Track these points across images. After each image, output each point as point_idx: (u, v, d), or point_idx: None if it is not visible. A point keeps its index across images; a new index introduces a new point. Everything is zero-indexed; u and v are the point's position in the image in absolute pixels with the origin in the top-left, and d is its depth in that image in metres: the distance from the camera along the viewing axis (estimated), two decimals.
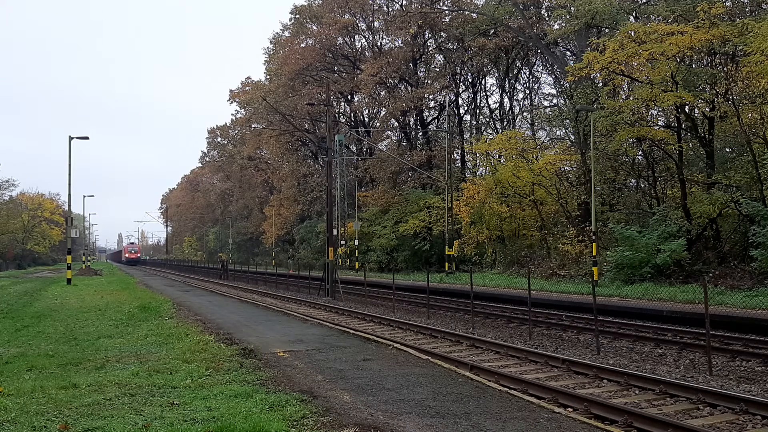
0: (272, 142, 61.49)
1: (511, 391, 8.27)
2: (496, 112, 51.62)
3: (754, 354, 11.85)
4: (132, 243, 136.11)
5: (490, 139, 41.55)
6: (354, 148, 58.02)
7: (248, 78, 77.07)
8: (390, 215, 46.19)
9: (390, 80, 49.81)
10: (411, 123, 52.93)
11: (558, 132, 44.66)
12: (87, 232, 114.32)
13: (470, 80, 50.80)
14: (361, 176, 52.77)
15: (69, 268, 36.72)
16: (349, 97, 55.09)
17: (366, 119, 57.88)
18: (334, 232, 33.32)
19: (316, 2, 56.12)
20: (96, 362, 10.08)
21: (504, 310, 19.99)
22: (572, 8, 31.95)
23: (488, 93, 52.72)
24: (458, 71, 49.73)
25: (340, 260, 40.01)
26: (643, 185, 32.71)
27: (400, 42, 49.30)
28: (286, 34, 60.72)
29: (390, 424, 6.43)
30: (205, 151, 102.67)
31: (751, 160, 23.32)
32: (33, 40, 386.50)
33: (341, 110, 58.00)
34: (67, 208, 43.46)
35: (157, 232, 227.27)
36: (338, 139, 41.28)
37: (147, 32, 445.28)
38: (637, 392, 9.36)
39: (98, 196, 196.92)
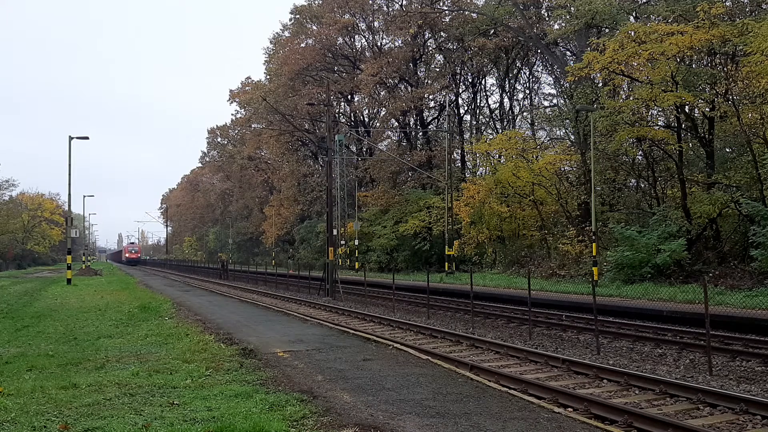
0: (272, 142, 61.50)
1: (511, 391, 8.27)
2: (496, 112, 51.65)
3: (754, 354, 11.85)
4: (132, 243, 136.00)
5: (490, 139, 41.55)
6: (354, 148, 58.03)
7: (248, 78, 77.17)
8: (390, 215, 46.20)
9: (390, 80, 49.81)
10: (411, 123, 52.94)
11: (558, 132, 44.68)
12: (87, 232, 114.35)
13: (470, 80, 50.81)
14: (361, 176, 52.77)
15: (69, 268, 36.72)
16: (349, 97, 55.09)
17: (366, 119, 57.89)
18: (334, 232, 33.33)
19: (316, 2, 56.13)
20: (96, 362, 10.08)
21: (504, 310, 19.99)
22: (572, 8, 31.96)
23: (488, 93, 52.81)
24: (458, 71, 49.74)
25: (340, 260, 40.01)
26: (643, 185, 32.71)
27: (400, 42, 49.31)
28: (286, 34, 60.74)
29: (390, 424, 6.43)
30: (205, 151, 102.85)
31: (751, 160, 23.31)
32: (33, 40, 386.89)
33: (341, 110, 58.01)
34: (67, 208, 43.49)
35: (157, 232, 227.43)
36: (338, 139, 41.28)
37: (147, 32, 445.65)
38: (637, 392, 9.36)
39: (98, 196, 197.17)
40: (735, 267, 22.35)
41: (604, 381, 10.07)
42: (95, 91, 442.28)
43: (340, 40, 52.70)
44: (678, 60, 24.80)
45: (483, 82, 51.16)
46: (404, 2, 49.52)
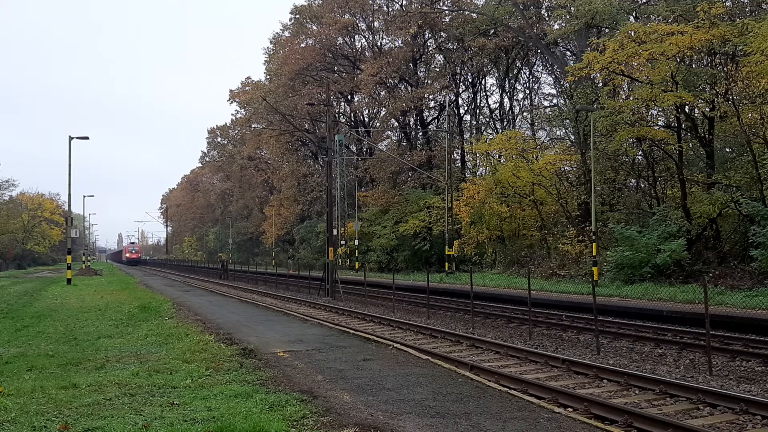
0: (272, 142, 61.50)
1: (511, 391, 8.27)
2: (496, 112, 51.65)
3: (754, 354, 11.85)
4: (132, 243, 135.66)
5: (490, 139, 41.55)
6: (354, 148, 58.02)
7: (248, 78, 77.18)
8: (390, 215, 46.19)
9: (390, 80, 49.80)
10: (411, 123, 52.93)
11: (558, 132, 44.67)
12: (87, 232, 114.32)
13: (470, 80, 50.81)
14: (361, 176, 52.77)
15: (69, 268, 36.73)
16: (349, 97, 55.09)
17: (366, 119, 57.89)
18: (334, 232, 33.33)
19: (316, 2, 56.12)
20: (96, 362, 10.08)
21: (504, 310, 19.99)
22: (572, 8, 31.95)
23: (488, 93, 52.81)
24: (458, 71, 49.73)
25: (340, 260, 40.00)
26: (643, 185, 32.71)
27: (400, 42, 49.31)
28: (286, 34, 60.74)
29: (390, 424, 6.43)
30: (205, 151, 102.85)
31: (751, 160, 23.31)
32: (33, 40, 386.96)
33: (341, 110, 58.01)
34: (67, 208, 43.50)
35: (157, 232, 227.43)
36: (338, 139, 41.28)
37: (147, 32, 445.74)
38: (637, 392, 9.36)
39: (98, 196, 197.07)
40: (735, 267, 22.35)
41: (604, 381, 10.07)
42: (95, 91, 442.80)
43: (340, 40, 52.70)
44: (678, 60, 24.79)
45: (483, 82, 51.22)
46: (404, 2, 49.53)
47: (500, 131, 45.30)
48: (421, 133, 51.71)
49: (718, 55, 26.32)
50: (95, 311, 19.04)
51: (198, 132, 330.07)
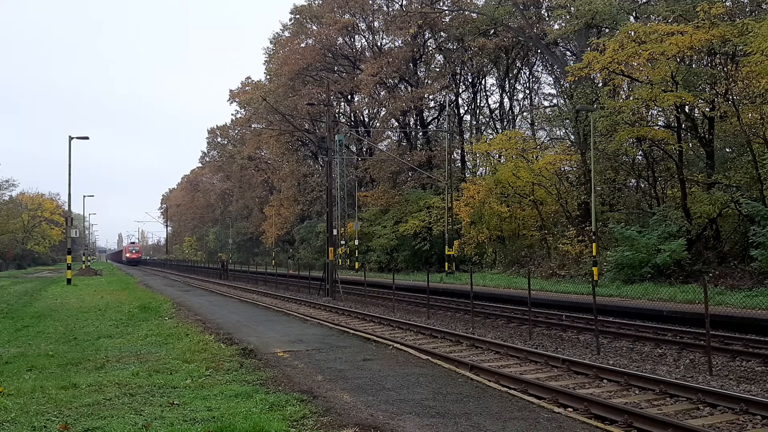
0: (272, 142, 61.50)
1: (511, 391, 8.27)
2: (496, 112, 51.65)
3: (754, 354, 11.85)
4: (133, 243, 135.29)
5: (490, 139, 41.55)
6: (354, 148, 58.02)
7: (248, 78, 77.18)
8: (390, 215, 46.19)
9: (390, 80, 49.80)
10: (411, 123, 52.94)
11: (558, 132, 44.67)
12: (87, 232, 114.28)
13: (470, 80, 50.81)
14: (361, 176, 52.77)
15: (69, 268, 36.72)
16: (349, 97, 55.09)
17: (366, 119, 57.89)
18: (334, 232, 33.32)
19: (316, 2, 56.12)
20: (96, 362, 10.08)
21: (504, 310, 19.99)
22: (572, 8, 31.95)
23: (488, 93, 52.81)
24: (458, 71, 49.73)
25: (340, 260, 40.00)
26: (643, 185, 32.71)
27: (400, 42, 49.30)
28: (286, 34, 60.74)
29: (390, 424, 6.43)
30: (205, 151, 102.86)
31: (751, 160, 23.31)
32: (33, 40, 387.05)
33: (341, 110, 58.01)
34: (67, 208, 43.49)
35: (157, 232, 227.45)
36: (338, 139, 41.28)
37: (147, 32, 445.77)
38: (637, 392, 9.36)
39: (98, 196, 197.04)
40: (735, 267, 22.34)
41: (604, 381, 10.07)
42: (95, 91, 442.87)
43: (340, 40, 52.70)
44: (678, 60, 24.79)
45: (483, 82, 51.22)
46: (404, 2, 49.53)
47: (500, 131, 45.30)
48: (421, 133, 51.71)
49: (718, 55, 26.32)
50: (95, 311, 19.04)
51: (198, 132, 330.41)
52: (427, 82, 49.49)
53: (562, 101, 42.06)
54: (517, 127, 47.73)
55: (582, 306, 18.38)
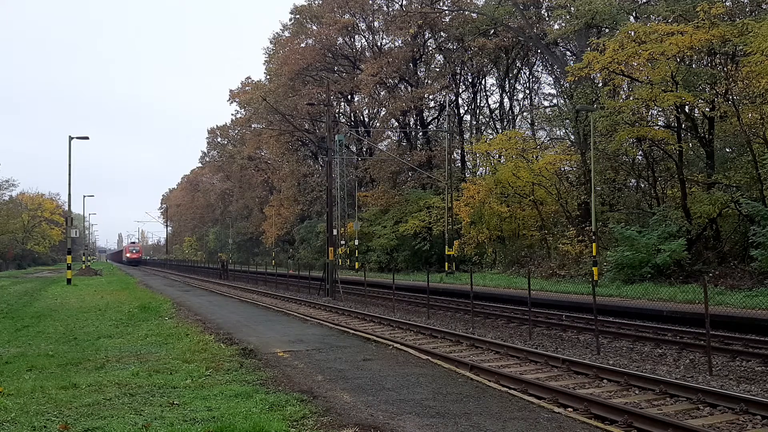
0: (272, 142, 61.50)
1: (511, 391, 8.27)
2: (496, 112, 51.65)
3: (754, 354, 11.85)
4: (133, 242, 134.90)
5: (490, 139, 41.55)
6: (354, 148, 58.02)
7: (248, 78, 77.18)
8: (390, 215, 46.19)
9: (390, 80, 49.80)
10: (411, 123, 52.93)
11: (558, 132, 44.68)
12: (87, 232, 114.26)
13: (470, 80, 50.81)
14: (361, 176, 52.77)
15: (69, 268, 36.73)
16: (349, 97, 55.09)
17: (366, 119, 57.89)
18: (334, 232, 33.33)
19: (316, 2, 56.12)
20: (96, 362, 10.08)
21: (504, 310, 19.99)
22: (572, 8, 31.95)
23: (488, 93, 52.81)
24: (458, 71, 49.73)
25: (340, 260, 40.01)
26: (643, 185, 32.71)
27: (400, 42, 49.30)
28: (286, 34, 60.74)
29: (390, 424, 6.43)
30: (205, 151, 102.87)
31: (751, 160, 23.31)
32: (33, 40, 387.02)
33: (341, 110, 58.01)
34: (67, 208, 43.50)
35: (157, 232, 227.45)
36: (338, 139, 41.28)
37: (147, 32, 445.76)
38: (637, 392, 9.36)
39: (98, 196, 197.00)
40: (735, 267, 22.34)
41: (604, 381, 10.07)
42: (95, 91, 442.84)
43: (340, 40, 52.70)
44: (678, 60, 24.79)
45: (483, 82, 51.21)
46: (404, 2, 49.53)
47: (500, 131, 45.30)
48: (421, 133, 51.71)
49: (718, 55, 26.32)
50: (95, 311, 19.04)
51: (198, 132, 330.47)
52: (427, 82, 49.49)
53: (562, 101, 42.07)
54: (517, 127, 47.74)
55: (582, 306, 18.37)
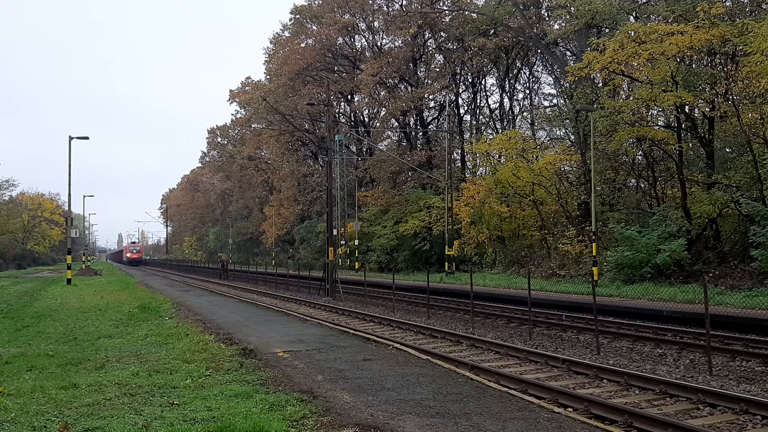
0: (272, 142, 61.51)
1: (511, 391, 8.27)
2: (496, 112, 51.65)
3: (754, 354, 11.85)
4: (134, 242, 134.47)
5: (490, 139, 41.55)
6: (354, 148, 58.02)
7: (248, 78, 77.19)
8: (390, 215, 46.20)
9: (390, 80, 49.80)
10: (411, 123, 52.93)
11: (558, 132, 44.68)
12: (87, 232, 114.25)
13: (470, 80, 50.81)
14: (361, 176, 52.77)
15: (69, 268, 36.73)
16: (349, 97, 55.09)
17: (366, 119, 57.89)
18: (334, 232, 33.32)
19: (316, 2, 56.12)
20: (96, 362, 10.08)
21: (504, 310, 19.99)
22: (572, 8, 31.95)
23: (488, 93, 52.81)
24: (458, 71, 49.73)
25: (340, 260, 40.00)
26: (643, 185, 32.71)
27: (400, 42, 49.31)
28: (286, 34, 60.74)
29: (390, 424, 6.43)
30: (205, 151, 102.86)
31: (751, 160, 23.32)
32: (33, 40, 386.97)
33: (341, 110, 58.02)
34: (67, 208, 43.50)
35: (157, 232, 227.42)
36: (338, 139, 41.28)
37: (147, 32, 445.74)
38: (637, 392, 9.37)
39: (98, 196, 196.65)
40: (735, 267, 22.35)
41: (604, 381, 10.07)
42: (95, 91, 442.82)
43: (340, 40, 52.69)
44: (678, 60, 24.79)
45: (483, 82, 51.21)
46: (404, 2, 49.53)
47: (500, 131, 45.30)
48: (421, 133, 51.71)
49: (718, 55, 26.31)
50: (95, 311, 19.04)
51: (198, 132, 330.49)
52: (427, 82, 49.49)
53: (562, 101, 42.06)
54: (517, 127, 47.73)
55: (582, 306, 18.37)
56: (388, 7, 51.12)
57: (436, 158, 46.34)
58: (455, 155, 48.14)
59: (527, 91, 50.33)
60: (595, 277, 24.01)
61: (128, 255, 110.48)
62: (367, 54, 52.57)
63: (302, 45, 54.14)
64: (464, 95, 51.94)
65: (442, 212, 39.05)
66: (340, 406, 7.16)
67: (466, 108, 52.71)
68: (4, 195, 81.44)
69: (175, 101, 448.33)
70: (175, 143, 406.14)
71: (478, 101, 52.00)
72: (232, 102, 77.93)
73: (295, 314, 19.29)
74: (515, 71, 48.68)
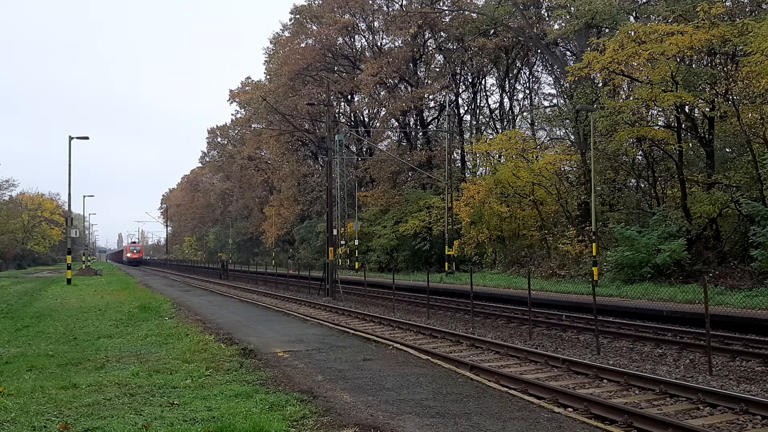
0: (272, 142, 61.51)
1: (511, 391, 8.27)
2: (496, 112, 51.65)
3: (754, 354, 11.85)
4: (134, 242, 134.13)
5: (490, 139, 41.55)
6: (354, 148, 58.03)
7: (248, 78, 77.20)
8: (390, 215, 46.20)
9: (390, 80, 49.80)
10: (411, 123, 52.93)
11: (558, 132, 44.68)
12: (87, 232, 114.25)
13: (470, 80, 50.81)
14: (361, 176, 52.77)
15: (69, 268, 36.73)
16: (349, 97, 55.09)
17: (366, 119, 57.89)
18: (334, 232, 33.32)
19: (316, 2, 56.12)
20: (96, 362, 10.08)
21: (504, 310, 19.99)
22: (572, 8, 31.95)
23: (488, 93, 52.80)
24: (458, 71, 49.73)
25: (340, 260, 40.00)
26: (643, 185, 32.71)
27: (400, 42, 49.31)
28: (286, 34, 60.74)
29: (390, 424, 6.43)
30: (205, 151, 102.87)
31: (751, 160, 23.32)
32: (33, 40, 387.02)
33: (341, 110, 58.01)
34: (67, 208, 43.50)
35: (157, 232, 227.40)
36: (338, 139, 41.28)
37: (147, 32, 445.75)
38: (637, 392, 9.36)
39: (98, 196, 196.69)
40: (735, 267, 22.34)
41: (604, 381, 10.07)
42: (95, 91, 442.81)
43: (340, 40, 52.69)
44: (678, 60, 24.79)
45: (483, 82, 51.21)
46: (404, 2, 49.53)
47: (500, 131, 45.30)
48: (421, 133, 51.71)
49: (718, 55, 26.31)
50: (95, 311, 19.04)
51: (198, 132, 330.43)
52: (427, 82, 49.49)
53: (562, 101, 42.06)
54: (517, 127, 47.72)
55: (582, 306, 18.37)
56: (388, 7, 51.13)
57: (436, 158, 46.34)
58: (455, 155, 48.14)
59: (527, 91, 50.37)
60: (595, 277, 24.01)
61: (129, 255, 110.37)
62: (367, 54, 52.57)
63: (302, 45, 54.14)
64: (464, 95, 51.99)
65: (442, 212, 39.05)
66: (340, 406, 7.16)
67: (466, 108, 52.76)
68: (4, 195, 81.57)
69: (175, 101, 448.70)
70: (175, 143, 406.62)
71: (478, 101, 52.04)
72: (232, 102, 78.03)
73: (295, 314, 19.29)
74: (515, 71, 48.68)
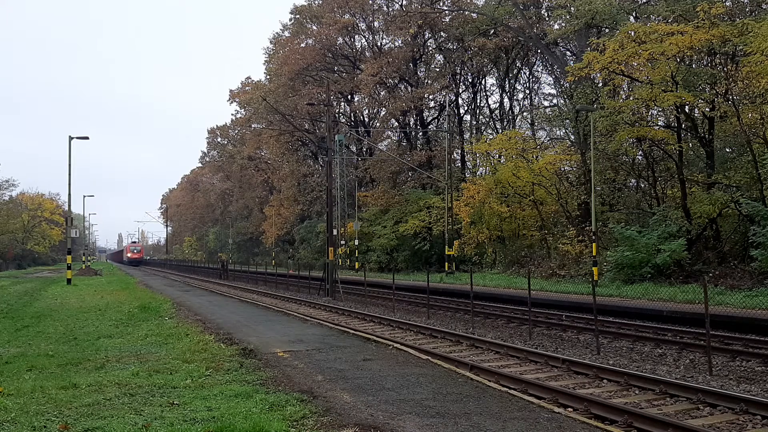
0: (272, 142, 61.51)
1: (511, 391, 8.27)
2: (496, 112, 51.65)
3: (754, 354, 11.85)
4: (134, 242, 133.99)
5: (490, 139, 41.55)
6: (354, 148, 58.03)
7: (248, 78, 77.19)
8: (390, 215, 46.20)
9: (390, 80, 49.80)
10: (411, 123, 52.93)
11: (558, 132, 44.67)
12: (87, 232, 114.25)
13: (470, 80, 50.81)
14: (361, 176, 52.77)
15: (69, 268, 36.73)
16: (349, 97, 55.09)
17: (366, 119, 57.89)
18: (334, 232, 33.32)
19: (316, 2, 56.13)
20: (96, 362, 10.08)
21: (504, 310, 19.99)
22: (572, 8, 31.95)
23: (488, 93, 52.80)
24: (458, 71, 49.73)
25: (340, 260, 40.00)
26: (643, 185, 32.71)
27: (400, 42, 49.31)
28: (286, 34, 60.75)
29: (390, 424, 6.43)
30: (205, 151, 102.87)
31: (751, 160, 23.32)
32: (33, 40, 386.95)
33: (341, 110, 58.01)
34: (67, 208, 43.50)
35: (157, 232, 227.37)
36: (338, 139, 41.28)
37: (147, 32, 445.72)
38: (637, 392, 9.36)
39: (98, 196, 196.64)
40: (735, 267, 22.34)
41: (604, 381, 10.07)
42: (95, 91, 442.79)
43: (340, 40, 52.69)
44: (678, 60, 24.79)
45: (483, 82, 51.21)
46: (404, 2, 49.53)
47: (500, 131, 45.30)
48: (421, 133, 51.71)
49: (718, 55, 26.31)
50: (95, 311, 19.04)
51: (198, 132, 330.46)
52: (427, 82, 49.49)
53: (562, 101, 42.05)
54: (517, 127, 47.72)
55: (582, 306, 18.37)
56: (388, 7, 51.12)
57: (436, 158, 46.34)
58: (455, 155, 48.14)
59: (527, 91, 50.37)
60: (595, 277, 24.01)
61: (129, 255, 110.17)
62: (367, 54, 52.57)
63: (302, 45, 54.14)
64: (464, 95, 51.99)
65: (442, 212, 39.05)
66: (340, 406, 7.16)
67: (466, 108, 52.76)
68: (4, 195, 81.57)
69: (175, 101, 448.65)
70: (175, 143, 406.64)
71: (478, 101, 52.04)
72: (232, 102, 78.03)
73: (295, 314, 19.29)
74: (515, 71, 48.67)
